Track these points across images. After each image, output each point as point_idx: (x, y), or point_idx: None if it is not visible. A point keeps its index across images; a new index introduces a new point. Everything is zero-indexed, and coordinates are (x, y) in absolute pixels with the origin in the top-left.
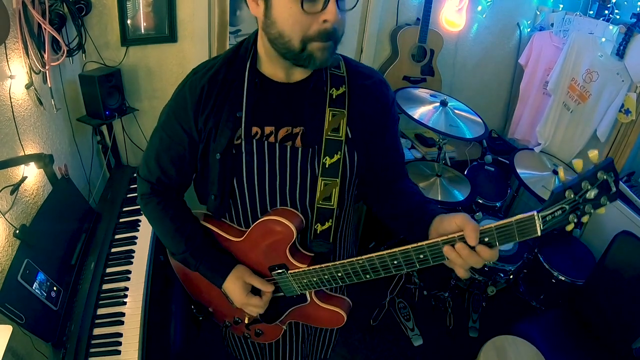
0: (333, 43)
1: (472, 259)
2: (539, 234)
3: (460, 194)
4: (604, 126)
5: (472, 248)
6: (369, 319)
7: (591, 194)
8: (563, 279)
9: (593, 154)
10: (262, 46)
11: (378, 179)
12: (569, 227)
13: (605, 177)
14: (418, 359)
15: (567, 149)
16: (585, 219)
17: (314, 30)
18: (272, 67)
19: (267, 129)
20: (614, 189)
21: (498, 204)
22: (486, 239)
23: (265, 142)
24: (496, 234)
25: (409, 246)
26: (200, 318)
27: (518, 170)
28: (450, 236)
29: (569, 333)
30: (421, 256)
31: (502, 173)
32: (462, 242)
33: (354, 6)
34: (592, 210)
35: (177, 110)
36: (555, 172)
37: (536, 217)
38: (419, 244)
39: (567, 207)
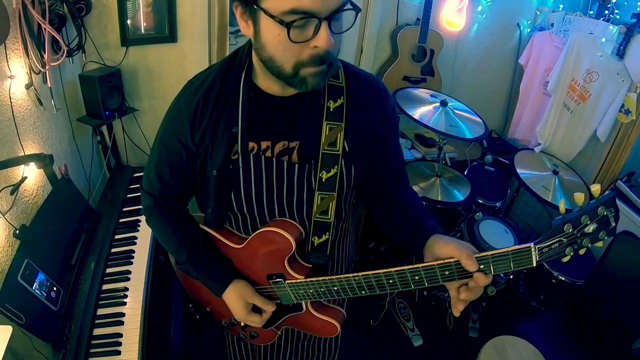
0: (327, 65)
1: (472, 293)
2: (534, 265)
3: (460, 194)
4: (604, 126)
5: (470, 275)
6: (369, 319)
7: (590, 228)
8: (563, 279)
9: (595, 188)
10: (257, 60)
11: (377, 186)
12: (565, 259)
13: (605, 212)
14: (418, 359)
15: (567, 149)
16: (582, 251)
17: (307, 55)
18: (267, 80)
19: (264, 144)
20: (613, 224)
21: (498, 204)
22: (481, 266)
23: (262, 157)
24: (492, 261)
25: (405, 267)
26: (198, 317)
27: (518, 171)
28: (446, 261)
29: (569, 333)
30: (416, 277)
31: (502, 173)
32: (461, 273)
33: (350, 28)
34: (589, 244)
35: (174, 123)
36: (556, 172)
37: (533, 249)
38: (415, 265)
39: (564, 240)
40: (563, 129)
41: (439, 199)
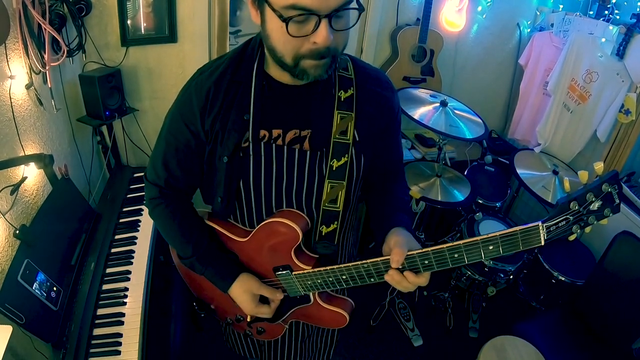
0: (330, 59)
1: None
2: (543, 243)
3: (460, 194)
4: (604, 126)
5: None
6: (369, 319)
7: (595, 205)
8: (563, 279)
9: (598, 166)
10: (267, 49)
11: (375, 178)
12: (572, 237)
13: (609, 189)
14: (418, 359)
15: (567, 149)
16: (588, 229)
17: (306, 49)
18: (278, 69)
19: (275, 132)
20: (617, 201)
21: (498, 204)
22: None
23: (273, 145)
24: (500, 242)
25: (414, 252)
26: (202, 315)
27: (518, 171)
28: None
29: (569, 333)
30: (426, 262)
31: (502, 173)
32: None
33: (353, 26)
34: (595, 222)
35: (183, 111)
36: (556, 173)
37: (540, 227)
38: (422, 250)
39: (571, 218)
40: (563, 129)
41: (439, 199)
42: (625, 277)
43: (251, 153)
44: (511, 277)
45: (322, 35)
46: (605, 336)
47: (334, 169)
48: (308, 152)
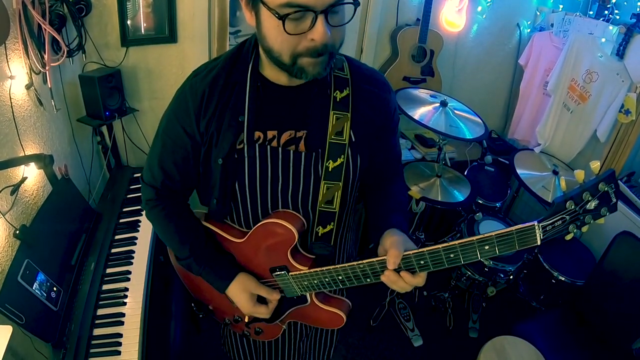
0: (327, 56)
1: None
2: (539, 243)
3: (460, 195)
4: (604, 126)
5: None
6: (369, 319)
7: (591, 204)
8: (563, 279)
9: (595, 165)
10: (263, 50)
11: (373, 178)
12: (568, 237)
13: (606, 188)
14: None
15: (567, 150)
16: (584, 229)
17: (303, 47)
18: (274, 70)
19: (270, 134)
20: (613, 200)
21: (498, 205)
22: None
23: (268, 146)
24: (496, 242)
25: (410, 252)
26: (201, 316)
27: (518, 171)
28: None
29: (569, 333)
30: (422, 262)
31: (502, 173)
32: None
33: (349, 21)
34: (591, 221)
35: (178, 113)
36: (556, 173)
37: (536, 227)
38: (418, 250)
39: (567, 217)
40: (563, 129)
41: (439, 199)
42: (625, 277)
43: (246, 155)
44: (511, 277)
45: (319, 32)
46: (605, 336)
47: (330, 169)
48: (303, 153)
